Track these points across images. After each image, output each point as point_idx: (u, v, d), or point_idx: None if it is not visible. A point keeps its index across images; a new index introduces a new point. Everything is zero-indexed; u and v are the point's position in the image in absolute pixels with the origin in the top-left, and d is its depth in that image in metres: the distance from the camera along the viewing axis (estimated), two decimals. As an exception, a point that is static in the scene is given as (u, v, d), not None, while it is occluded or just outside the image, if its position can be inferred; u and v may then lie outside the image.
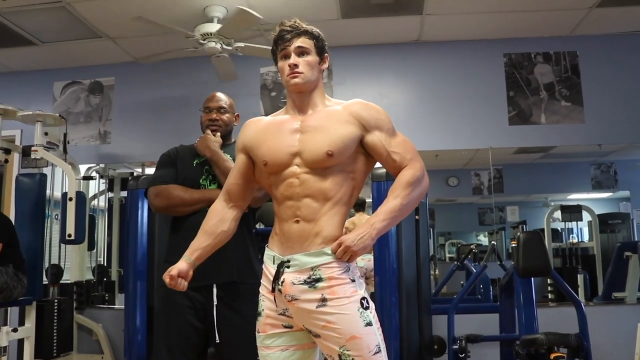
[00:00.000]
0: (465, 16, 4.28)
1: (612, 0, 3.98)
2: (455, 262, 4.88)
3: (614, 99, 4.47)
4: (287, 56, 1.78)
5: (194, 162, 2.52)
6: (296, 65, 1.76)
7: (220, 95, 2.63)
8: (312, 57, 1.79)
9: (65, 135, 4.21)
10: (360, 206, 4.84)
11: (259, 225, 3.63)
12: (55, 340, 4.02)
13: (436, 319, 3.84)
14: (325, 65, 1.84)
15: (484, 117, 4.54)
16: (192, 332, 2.34)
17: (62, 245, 4.57)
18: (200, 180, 2.48)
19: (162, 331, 2.41)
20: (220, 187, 2.42)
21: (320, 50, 1.81)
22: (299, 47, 1.77)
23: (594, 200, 5.24)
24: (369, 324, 1.60)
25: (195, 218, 2.41)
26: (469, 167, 4.97)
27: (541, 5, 4.11)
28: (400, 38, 4.55)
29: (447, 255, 5.67)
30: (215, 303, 2.34)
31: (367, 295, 1.64)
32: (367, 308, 1.61)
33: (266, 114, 4.63)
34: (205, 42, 3.94)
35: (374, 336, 1.60)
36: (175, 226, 2.49)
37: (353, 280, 1.63)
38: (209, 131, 2.54)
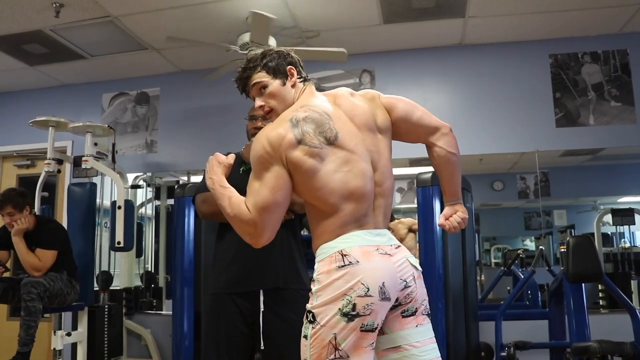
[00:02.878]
0: (509, 17, 4.22)
1: (662, -4, 3.86)
2: (502, 268, 4.79)
3: (667, 98, 4.32)
4: (254, 99, 1.84)
5: (241, 170, 2.54)
6: (262, 106, 1.80)
7: (265, 103, 2.64)
8: (273, 86, 1.79)
9: (113, 145, 4.32)
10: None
11: (304, 232, 3.64)
12: (106, 345, 4.12)
13: (483, 325, 3.78)
14: (295, 78, 1.82)
15: (530, 119, 4.45)
16: (240, 337, 2.36)
17: (112, 253, 4.68)
18: (246, 188, 2.49)
19: (210, 337, 2.43)
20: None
21: (277, 71, 1.81)
22: (255, 84, 1.81)
23: (646, 203, 5.07)
24: (305, 336, 1.58)
25: (242, 225, 2.44)
26: (514, 171, 4.88)
27: (588, 3, 4.00)
28: (442, 42, 4.51)
29: (493, 260, 5.58)
30: (262, 309, 2.36)
31: (313, 309, 1.57)
32: (310, 321, 1.56)
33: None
34: (246, 51, 3.98)
35: (305, 349, 1.58)
36: (221, 233, 2.52)
37: (311, 291, 1.61)
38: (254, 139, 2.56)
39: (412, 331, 1.61)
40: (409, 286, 1.60)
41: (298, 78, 1.83)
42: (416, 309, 1.62)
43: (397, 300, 1.58)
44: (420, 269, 1.67)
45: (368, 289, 1.51)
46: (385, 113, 1.77)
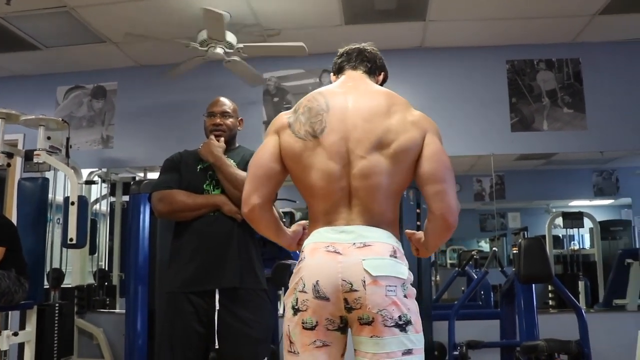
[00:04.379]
0: (468, 23, 4.29)
1: (615, 7, 3.99)
2: (457, 268, 4.88)
3: (616, 106, 4.47)
4: None
5: (198, 167, 2.52)
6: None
7: (224, 99, 2.63)
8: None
9: (67, 139, 4.21)
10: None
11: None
12: (55, 345, 4.02)
13: (437, 325, 3.84)
14: (331, 77, 1.90)
15: (487, 123, 4.55)
16: (195, 337, 2.34)
17: (64, 250, 4.57)
18: (204, 186, 2.48)
19: (165, 336, 2.41)
20: (223, 192, 2.44)
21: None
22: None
23: (595, 207, 5.24)
24: None
25: (198, 223, 2.42)
26: (471, 173, 4.98)
27: (544, 12, 4.11)
28: (403, 44, 4.56)
29: (449, 261, 5.67)
30: (217, 308, 2.35)
31: (285, 301, 1.63)
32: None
33: (268, 120, 4.69)
34: (207, 48, 3.94)
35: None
36: (177, 231, 2.50)
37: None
38: (212, 136, 2.54)
39: (365, 340, 1.51)
40: (356, 290, 1.49)
41: (333, 74, 1.89)
42: (372, 318, 1.49)
43: (347, 302, 1.51)
44: (377, 274, 1.50)
45: (304, 285, 1.54)
46: (413, 144, 1.62)
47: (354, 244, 1.55)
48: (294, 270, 1.61)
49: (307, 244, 1.62)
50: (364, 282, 1.50)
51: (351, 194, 1.60)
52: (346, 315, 1.54)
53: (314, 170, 1.61)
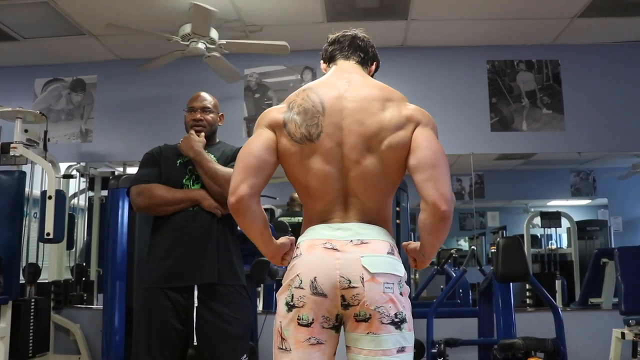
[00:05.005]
0: (450, 23, 4.32)
1: (593, 11, 4.04)
2: (435, 267, 4.91)
3: (594, 108, 4.54)
4: None
5: (178, 162, 2.50)
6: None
7: (204, 94, 2.61)
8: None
9: (45, 132, 4.16)
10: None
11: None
12: (31, 341, 3.97)
13: (416, 322, 3.81)
14: (323, 66, 1.86)
15: (467, 123, 4.58)
16: (173, 333, 2.33)
17: (41, 244, 4.50)
18: (184, 180, 2.46)
19: (142, 332, 2.39)
20: (203, 187, 2.42)
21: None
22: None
23: (572, 207, 5.32)
24: None
25: (177, 218, 2.41)
26: (450, 172, 4.99)
27: (524, 14, 4.15)
28: (384, 42, 4.57)
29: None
30: (195, 305, 2.33)
31: (277, 296, 1.63)
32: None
33: (249, 116, 4.67)
34: (188, 42, 3.92)
35: None
36: (156, 226, 2.48)
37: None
38: (192, 131, 2.52)
39: (361, 337, 1.51)
40: (354, 286, 1.50)
41: (326, 65, 1.84)
42: (370, 315, 1.50)
43: (344, 299, 1.51)
44: (376, 271, 1.51)
45: (301, 281, 1.53)
46: (407, 139, 1.61)
47: (351, 241, 1.55)
48: (288, 267, 1.59)
49: (303, 240, 1.61)
50: (363, 279, 1.50)
51: (347, 194, 1.61)
52: (342, 313, 1.54)
53: (311, 173, 1.61)
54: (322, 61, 1.85)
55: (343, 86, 1.66)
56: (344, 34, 1.83)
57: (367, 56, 1.81)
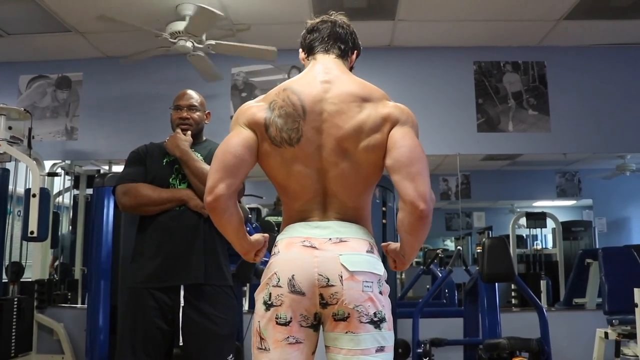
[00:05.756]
0: (437, 23, 4.33)
1: (578, 13, 4.08)
2: (422, 267, 4.92)
3: (580, 110, 4.58)
4: None
5: (164, 161, 2.48)
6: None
7: (191, 92, 2.59)
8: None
9: (30, 130, 4.12)
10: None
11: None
12: (13, 340, 3.92)
13: (401, 322, 3.86)
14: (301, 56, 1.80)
15: (453, 123, 4.60)
16: (158, 333, 2.31)
17: (24, 243, 4.46)
18: (170, 180, 2.44)
19: (126, 332, 2.37)
20: (189, 186, 2.41)
21: None
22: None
23: (558, 207, 5.36)
24: None
25: (164, 218, 2.39)
26: (437, 173, 5.03)
27: (511, 15, 4.18)
28: (372, 42, 4.57)
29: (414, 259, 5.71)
30: (182, 305, 2.32)
31: (256, 297, 1.60)
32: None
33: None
34: (176, 40, 3.90)
35: None
36: (142, 225, 2.46)
37: None
38: (179, 130, 2.50)
39: (339, 336, 1.50)
40: (333, 285, 1.48)
41: (305, 55, 1.78)
42: (348, 314, 1.48)
43: (322, 298, 1.50)
44: (354, 269, 1.49)
45: (279, 279, 1.51)
46: (383, 140, 1.58)
47: (330, 239, 1.54)
48: (267, 265, 1.57)
49: (281, 238, 1.59)
50: (341, 277, 1.49)
51: (326, 194, 1.60)
52: (320, 312, 1.52)
53: (290, 174, 1.59)
54: (300, 49, 1.79)
55: (323, 87, 1.62)
56: (324, 21, 1.76)
57: (347, 47, 1.74)
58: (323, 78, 1.64)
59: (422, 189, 1.51)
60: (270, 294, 1.52)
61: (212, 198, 1.53)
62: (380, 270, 1.56)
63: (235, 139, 1.60)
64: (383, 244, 1.72)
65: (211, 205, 1.54)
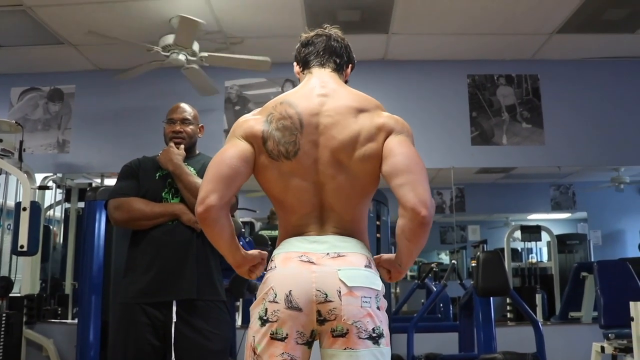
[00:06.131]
0: (431, 37, 4.34)
1: (571, 27, 4.10)
2: (416, 281, 4.90)
3: (573, 122, 4.59)
4: None
5: (157, 175, 2.45)
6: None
7: (184, 106, 2.57)
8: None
9: (21, 142, 4.09)
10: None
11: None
12: (1, 357, 3.86)
13: (396, 337, 3.83)
14: (296, 69, 1.80)
15: (447, 136, 4.60)
16: (149, 349, 2.27)
17: (14, 257, 4.41)
18: (163, 194, 2.42)
19: (118, 348, 2.33)
20: (182, 201, 2.38)
21: None
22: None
23: (552, 220, 5.36)
24: None
25: (156, 232, 2.36)
26: (431, 186, 4.90)
27: (504, 29, 4.20)
28: (366, 56, 4.58)
29: (409, 273, 5.69)
30: (174, 320, 2.28)
31: (251, 311, 1.58)
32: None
33: (229, 128, 4.63)
34: (168, 53, 3.88)
35: None
36: (134, 240, 2.43)
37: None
38: (172, 143, 2.48)
39: (337, 352, 1.47)
40: (331, 300, 1.46)
41: (300, 69, 1.78)
42: (347, 330, 1.46)
43: (320, 314, 1.48)
44: (353, 285, 1.47)
45: (276, 294, 1.49)
46: (378, 149, 1.57)
47: (328, 254, 1.52)
48: (263, 280, 1.55)
49: (278, 253, 1.57)
50: (340, 292, 1.47)
51: (323, 208, 1.58)
52: (317, 328, 1.50)
53: (287, 188, 1.58)
54: (295, 63, 1.79)
55: (320, 100, 1.62)
56: (318, 35, 1.77)
57: (342, 61, 1.75)
58: (320, 92, 1.64)
59: (423, 195, 1.49)
60: (266, 309, 1.50)
61: (203, 208, 1.50)
62: (379, 285, 1.54)
63: (231, 151, 1.58)
64: (375, 256, 1.69)
65: (202, 215, 1.52)
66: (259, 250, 1.69)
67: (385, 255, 1.68)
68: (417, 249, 1.58)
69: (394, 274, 1.67)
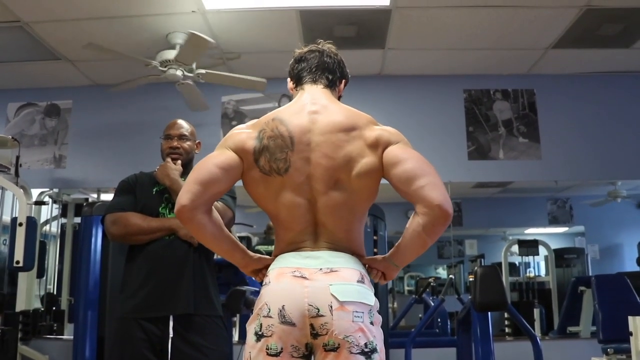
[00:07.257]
0: (427, 52, 4.37)
1: (566, 42, 4.13)
2: (414, 296, 4.88)
3: (570, 137, 4.61)
4: None
5: (154, 190, 2.46)
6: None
7: (181, 122, 2.58)
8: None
9: (17, 158, 4.08)
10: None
11: (217, 255, 3.56)
12: (-4, 374, 3.84)
13: (394, 352, 3.81)
14: (290, 85, 1.81)
15: (444, 151, 4.60)
16: (145, 364, 2.25)
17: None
18: (160, 209, 2.42)
19: (113, 363, 2.31)
20: (179, 216, 2.38)
21: None
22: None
23: (550, 234, 5.35)
24: None
25: (153, 247, 2.36)
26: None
27: (500, 44, 4.22)
28: (362, 71, 4.60)
29: (406, 288, 5.68)
30: (171, 335, 2.27)
31: (247, 327, 1.58)
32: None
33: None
34: (166, 69, 3.90)
35: None
36: (131, 255, 2.42)
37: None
38: (169, 159, 2.49)
39: None
40: (322, 315, 1.46)
41: (293, 85, 1.79)
42: (339, 345, 1.46)
43: (313, 328, 1.48)
44: (344, 299, 1.48)
45: (269, 310, 1.49)
46: (375, 163, 1.58)
47: (321, 269, 1.52)
48: (258, 296, 1.55)
49: (272, 268, 1.58)
50: (331, 307, 1.47)
51: (317, 224, 1.59)
52: (311, 342, 1.50)
53: (280, 203, 1.59)
54: (289, 79, 1.80)
55: (311, 117, 1.62)
56: (312, 51, 1.77)
57: (335, 77, 1.75)
58: (310, 109, 1.64)
59: (445, 194, 1.53)
60: (261, 324, 1.50)
61: (176, 208, 1.53)
62: (371, 300, 1.54)
63: (215, 159, 1.60)
64: (368, 257, 1.68)
65: (177, 214, 1.54)
66: (268, 257, 1.69)
67: (376, 257, 1.68)
68: (428, 245, 1.59)
69: (389, 273, 1.69)
